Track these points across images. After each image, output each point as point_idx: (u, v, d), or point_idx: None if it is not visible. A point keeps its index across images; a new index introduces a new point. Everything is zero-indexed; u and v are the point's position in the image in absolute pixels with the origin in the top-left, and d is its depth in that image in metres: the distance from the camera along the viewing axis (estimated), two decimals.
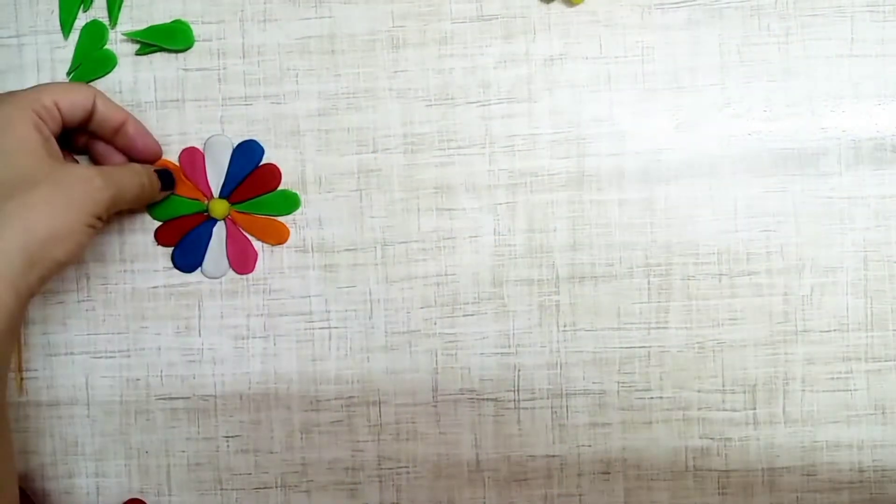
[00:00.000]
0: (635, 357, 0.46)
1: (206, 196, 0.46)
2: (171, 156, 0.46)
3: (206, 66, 0.46)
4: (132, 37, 0.46)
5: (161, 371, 0.47)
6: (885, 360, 0.45)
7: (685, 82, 0.45)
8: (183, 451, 0.47)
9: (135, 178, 0.42)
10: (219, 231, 0.46)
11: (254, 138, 0.46)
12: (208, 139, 0.46)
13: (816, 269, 0.45)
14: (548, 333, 0.46)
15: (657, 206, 0.45)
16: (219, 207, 0.46)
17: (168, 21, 0.46)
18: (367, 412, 0.47)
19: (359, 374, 0.47)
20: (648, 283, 0.46)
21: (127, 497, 0.47)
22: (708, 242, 0.45)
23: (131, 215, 0.47)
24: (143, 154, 0.45)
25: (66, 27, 0.46)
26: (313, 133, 0.46)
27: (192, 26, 0.46)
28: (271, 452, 0.47)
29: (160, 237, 0.47)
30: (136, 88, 0.46)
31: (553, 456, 0.46)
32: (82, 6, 0.46)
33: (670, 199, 0.45)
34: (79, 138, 0.44)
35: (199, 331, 0.47)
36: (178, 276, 0.47)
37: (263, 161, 0.46)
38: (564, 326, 0.46)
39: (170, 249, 0.47)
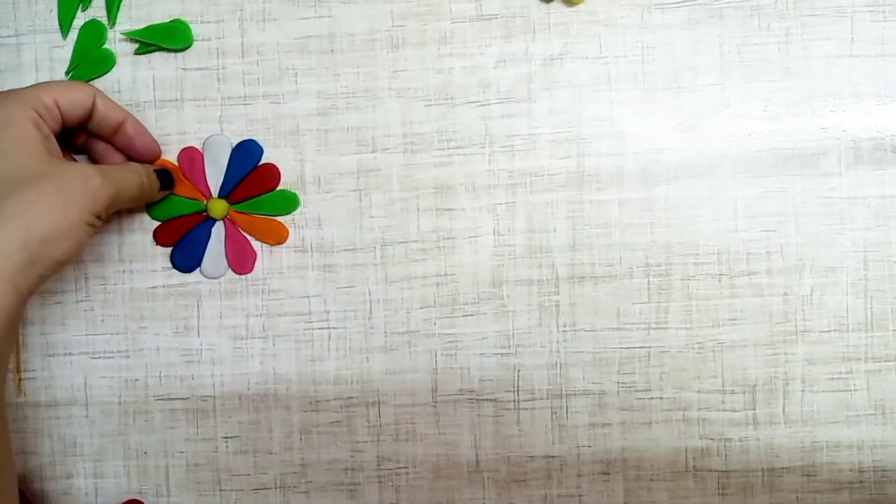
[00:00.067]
0: (635, 357, 0.46)
1: (204, 196, 0.46)
2: (170, 155, 0.46)
3: (205, 66, 0.46)
4: (131, 36, 0.46)
5: (160, 371, 0.47)
6: (885, 360, 0.45)
7: (685, 82, 0.45)
8: (182, 452, 0.47)
9: (134, 178, 0.42)
10: (218, 231, 0.46)
11: (253, 138, 0.46)
12: (207, 139, 0.46)
13: (816, 269, 0.45)
14: (547, 334, 0.46)
15: (657, 206, 0.45)
16: (218, 207, 0.46)
17: (167, 20, 0.46)
18: (367, 413, 0.47)
19: (358, 374, 0.47)
20: (648, 283, 0.46)
21: (126, 498, 0.47)
22: (708, 242, 0.45)
23: (130, 215, 0.47)
24: (142, 153, 0.45)
25: (64, 26, 0.46)
26: (312, 133, 0.46)
27: (190, 26, 0.46)
28: (270, 453, 0.47)
29: (159, 237, 0.46)
30: (135, 88, 0.46)
31: (553, 456, 0.46)
32: (81, 5, 0.46)
33: (670, 199, 0.45)
34: (78, 137, 0.44)
35: (198, 331, 0.47)
36: (177, 276, 0.47)
37: (262, 161, 0.46)
38: (564, 327, 0.46)
39: (168, 249, 0.47)
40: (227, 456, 0.47)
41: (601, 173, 0.45)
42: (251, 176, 0.46)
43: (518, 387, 0.46)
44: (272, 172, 0.46)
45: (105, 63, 0.46)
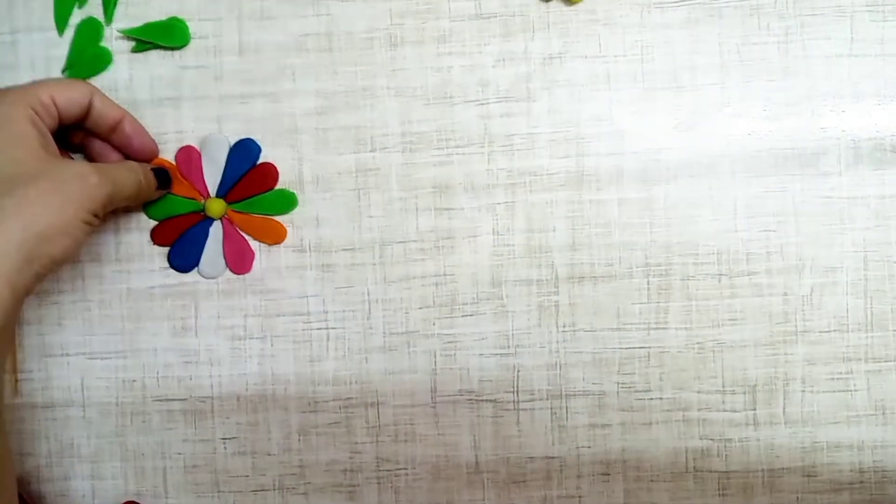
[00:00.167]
0: (635, 358, 0.46)
1: (202, 195, 0.46)
2: (168, 154, 0.46)
3: (203, 64, 0.46)
4: (128, 34, 0.46)
5: (157, 372, 0.47)
6: (885, 361, 0.45)
7: (685, 82, 0.45)
8: (179, 453, 0.47)
9: (131, 176, 0.42)
10: (215, 231, 0.46)
11: (251, 137, 0.46)
12: (205, 138, 0.46)
13: (816, 269, 0.45)
14: (547, 334, 0.46)
15: (656, 205, 0.45)
16: (215, 207, 0.46)
17: (164, 18, 0.46)
18: (366, 413, 0.46)
19: (357, 374, 0.46)
20: (648, 283, 0.45)
21: (123, 499, 0.47)
22: (708, 242, 0.45)
23: (127, 214, 0.46)
24: (139, 152, 0.44)
25: (60, 24, 0.46)
26: (311, 132, 0.46)
27: (188, 24, 0.46)
28: (269, 454, 0.47)
29: (156, 237, 0.46)
30: (132, 86, 0.46)
31: (552, 457, 0.46)
32: (77, 3, 0.46)
33: (670, 199, 0.45)
34: (75, 135, 0.44)
35: (196, 331, 0.47)
36: (175, 276, 0.46)
37: (260, 160, 0.46)
38: (564, 327, 0.46)
39: (166, 249, 0.46)
40: (225, 457, 0.47)
41: (600, 173, 0.45)
42: (249, 175, 0.46)
43: (517, 387, 0.46)
44: (270, 172, 0.46)
45: (102, 61, 0.46)
